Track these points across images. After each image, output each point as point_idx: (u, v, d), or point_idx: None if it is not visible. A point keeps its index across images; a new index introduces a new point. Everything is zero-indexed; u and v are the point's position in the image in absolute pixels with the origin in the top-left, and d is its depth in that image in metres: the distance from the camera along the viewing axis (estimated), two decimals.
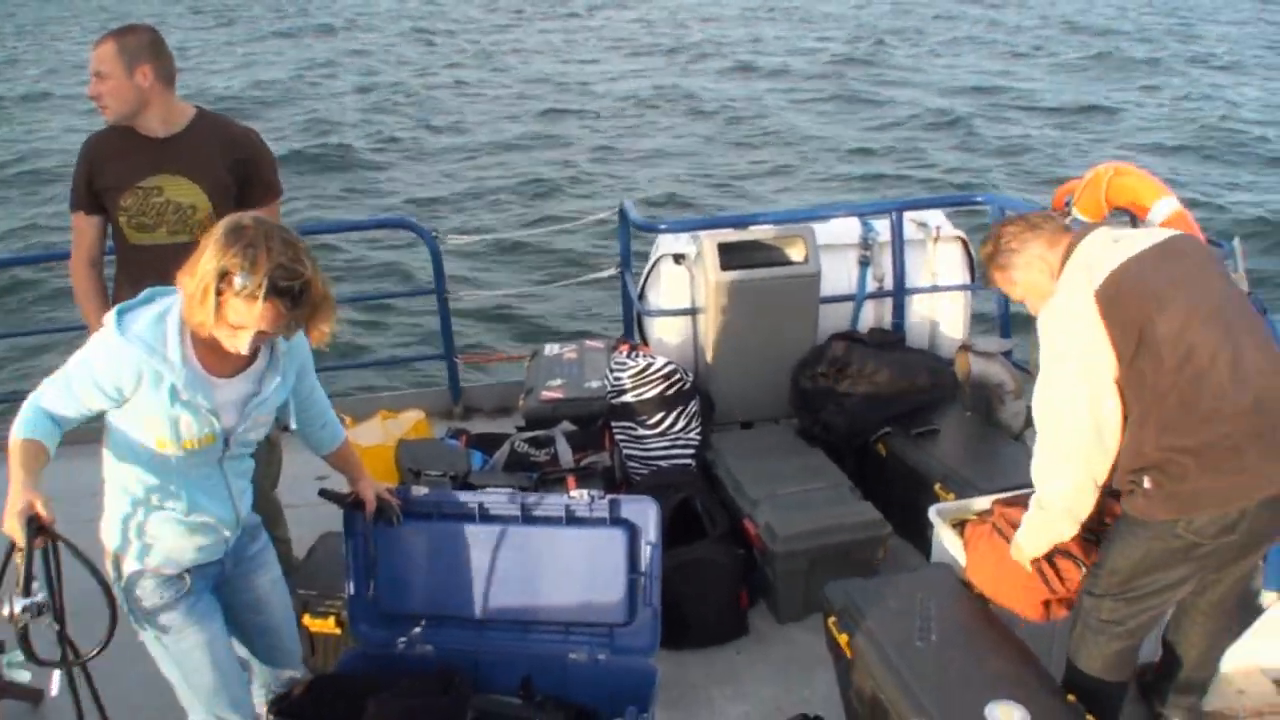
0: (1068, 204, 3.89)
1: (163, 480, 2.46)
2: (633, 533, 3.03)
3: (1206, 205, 11.77)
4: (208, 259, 2.22)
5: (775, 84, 21.56)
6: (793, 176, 14.75)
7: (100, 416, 2.41)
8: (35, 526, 2.16)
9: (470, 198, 14.04)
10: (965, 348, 4.83)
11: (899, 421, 4.52)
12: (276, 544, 3.10)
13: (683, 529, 3.93)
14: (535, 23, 33.08)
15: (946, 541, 3.49)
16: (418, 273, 10.61)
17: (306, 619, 3.48)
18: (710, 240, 4.71)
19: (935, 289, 5.27)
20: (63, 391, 2.35)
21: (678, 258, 5.05)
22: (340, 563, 3.15)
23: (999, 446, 4.39)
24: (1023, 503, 3.07)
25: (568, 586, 3.07)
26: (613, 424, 4.49)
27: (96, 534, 2.55)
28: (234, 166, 3.41)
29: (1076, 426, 2.72)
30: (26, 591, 2.15)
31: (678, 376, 4.48)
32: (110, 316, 2.34)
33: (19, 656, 2.26)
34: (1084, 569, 3.03)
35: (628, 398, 4.45)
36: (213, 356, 2.40)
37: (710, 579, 3.80)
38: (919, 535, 3.99)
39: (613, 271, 6.00)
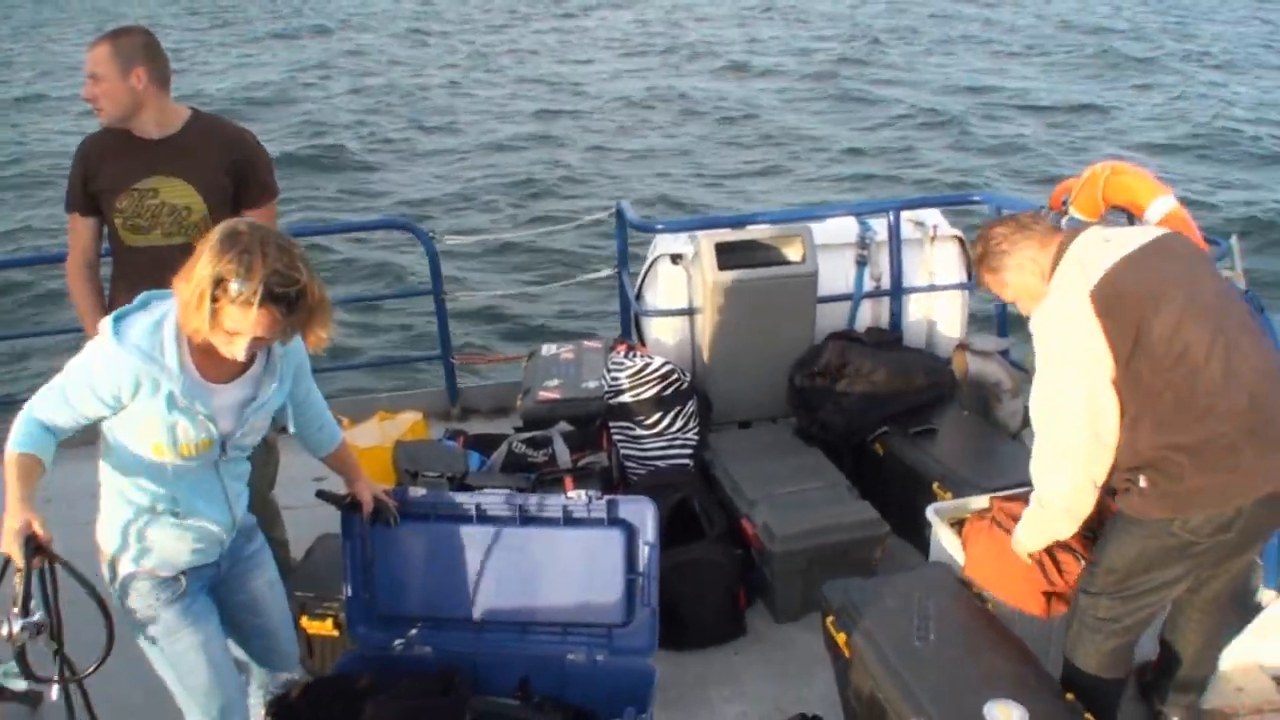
0: (1065, 203, 3.89)
1: (159, 484, 2.45)
2: (630, 533, 3.03)
3: (1199, 204, 11.78)
4: (203, 265, 2.21)
5: (770, 84, 21.58)
6: (787, 176, 14.75)
7: (97, 421, 2.40)
8: (33, 546, 2.17)
9: (466, 198, 14.03)
10: (963, 347, 4.84)
11: (897, 421, 4.52)
12: (274, 546, 3.09)
13: (681, 529, 3.92)
14: (531, 23, 33.08)
15: (944, 540, 3.49)
16: (414, 273, 10.61)
17: (304, 621, 3.47)
18: (707, 240, 4.71)
19: (932, 288, 5.27)
20: (58, 400, 2.34)
21: (675, 258, 5.05)
22: (338, 564, 3.15)
23: (997, 445, 4.40)
24: (1022, 499, 3.07)
25: (566, 587, 3.07)
26: (610, 424, 4.49)
27: (93, 536, 2.55)
28: (230, 168, 3.40)
29: (1075, 427, 2.72)
30: (25, 612, 2.15)
31: (675, 376, 4.48)
32: (106, 324, 2.33)
33: (15, 666, 2.26)
34: (1083, 562, 3.03)
35: (625, 398, 4.44)
36: (209, 362, 2.39)
37: (708, 579, 3.80)
38: (917, 534, 3.99)
39: (610, 272, 5.99)
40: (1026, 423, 2.98)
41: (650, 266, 5.20)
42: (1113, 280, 2.68)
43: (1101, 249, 2.76)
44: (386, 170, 15.68)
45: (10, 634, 2.14)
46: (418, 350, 8.51)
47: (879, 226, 5.25)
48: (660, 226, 5.51)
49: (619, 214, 5.46)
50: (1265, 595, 3.54)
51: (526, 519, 3.08)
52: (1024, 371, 4.47)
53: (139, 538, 2.49)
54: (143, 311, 2.38)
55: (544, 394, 4.68)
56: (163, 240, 3.36)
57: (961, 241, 5.30)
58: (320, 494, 3.08)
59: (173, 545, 2.53)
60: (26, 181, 15.18)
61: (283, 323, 2.27)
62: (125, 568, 2.52)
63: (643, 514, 3.03)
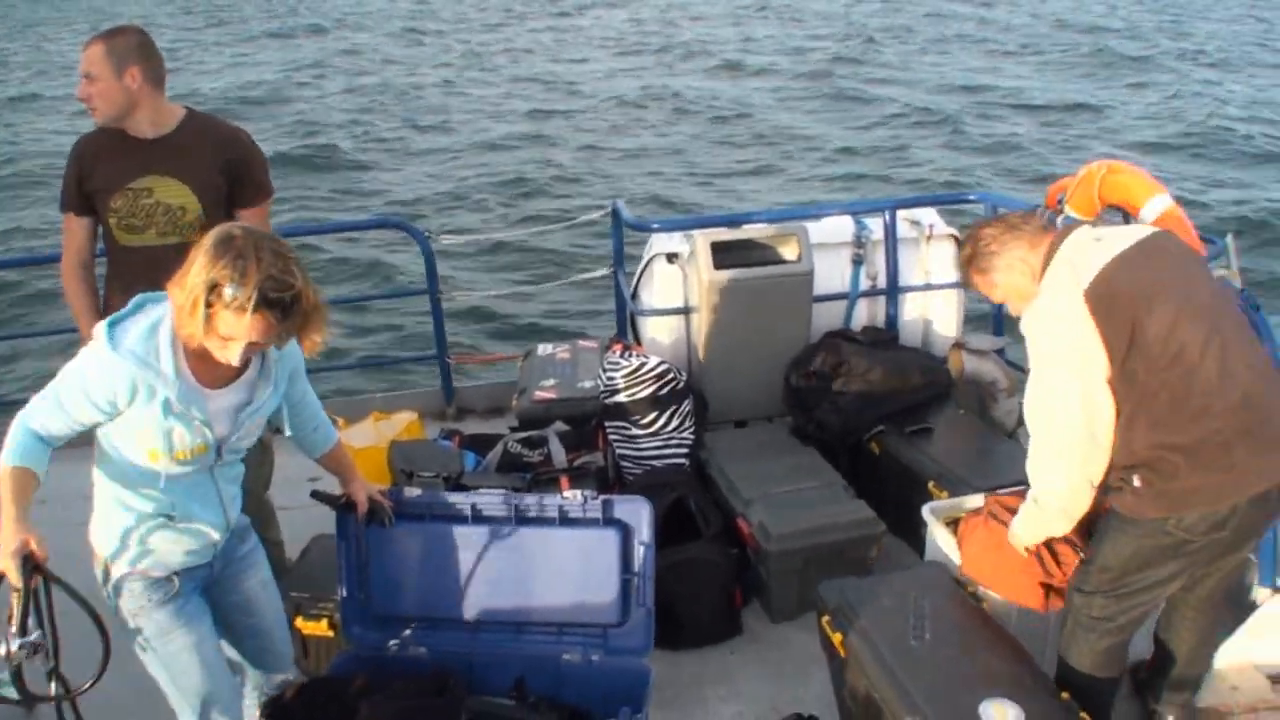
0: (1060, 201, 3.89)
1: (153, 489, 2.45)
2: (626, 533, 3.03)
3: (1192, 203, 11.75)
4: (197, 271, 2.20)
5: (764, 83, 21.56)
6: (781, 176, 14.75)
7: (92, 428, 2.39)
8: (30, 565, 2.17)
9: (460, 198, 14.01)
10: (958, 346, 4.84)
11: (892, 420, 4.52)
12: (269, 546, 3.09)
13: (676, 528, 3.92)
14: (526, 21, 33.05)
15: (940, 540, 3.50)
16: (405, 273, 10.60)
17: (299, 621, 3.46)
18: (703, 239, 4.70)
19: (928, 287, 5.27)
20: (53, 408, 2.33)
21: (671, 257, 5.04)
22: (333, 565, 3.15)
23: (993, 444, 4.40)
24: (1018, 495, 3.07)
25: (561, 587, 3.07)
26: (606, 424, 4.48)
27: (86, 537, 2.54)
28: (224, 167, 3.40)
29: (1070, 427, 2.72)
30: (23, 631, 2.15)
31: (671, 376, 4.48)
32: (101, 329, 2.32)
33: (10, 680, 2.26)
34: (1082, 553, 3.03)
35: (621, 397, 4.44)
36: (205, 367, 2.39)
37: (704, 578, 3.80)
38: (913, 534, 3.99)
39: (605, 271, 5.99)
40: (1022, 421, 2.98)
41: (646, 266, 5.20)
42: (1106, 280, 2.68)
43: (1093, 248, 2.76)
44: (380, 170, 15.65)
45: (8, 653, 2.14)
46: (412, 350, 8.50)
47: (875, 225, 5.25)
48: (656, 226, 5.51)
49: (614, 213, 5.45)
50: (1260, 594, 3.54)
51: (522, 519, 3.08)
52: (1020, 370, 4.47)
53: (133, 540, 2.49)
54: (137, 316, 2.37)
55: (540, 394, 4.68)
56: (157, 240, 3.35)
57: (957, 240, 5.30)
58: (315, 494, 3.07)
59: (167, 547, 2.52)
60: (20, 181, 15.15)
61: (278, 328, 2.26)
62: (118, 568, 2.52)
63: (638, 514, 3.03)
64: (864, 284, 5.24)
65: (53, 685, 2.29)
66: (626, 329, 5.53)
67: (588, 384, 4.67)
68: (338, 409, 4.96)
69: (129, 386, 2.29)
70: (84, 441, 2.45)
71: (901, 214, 5.30)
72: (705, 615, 3.84)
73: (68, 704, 2.39)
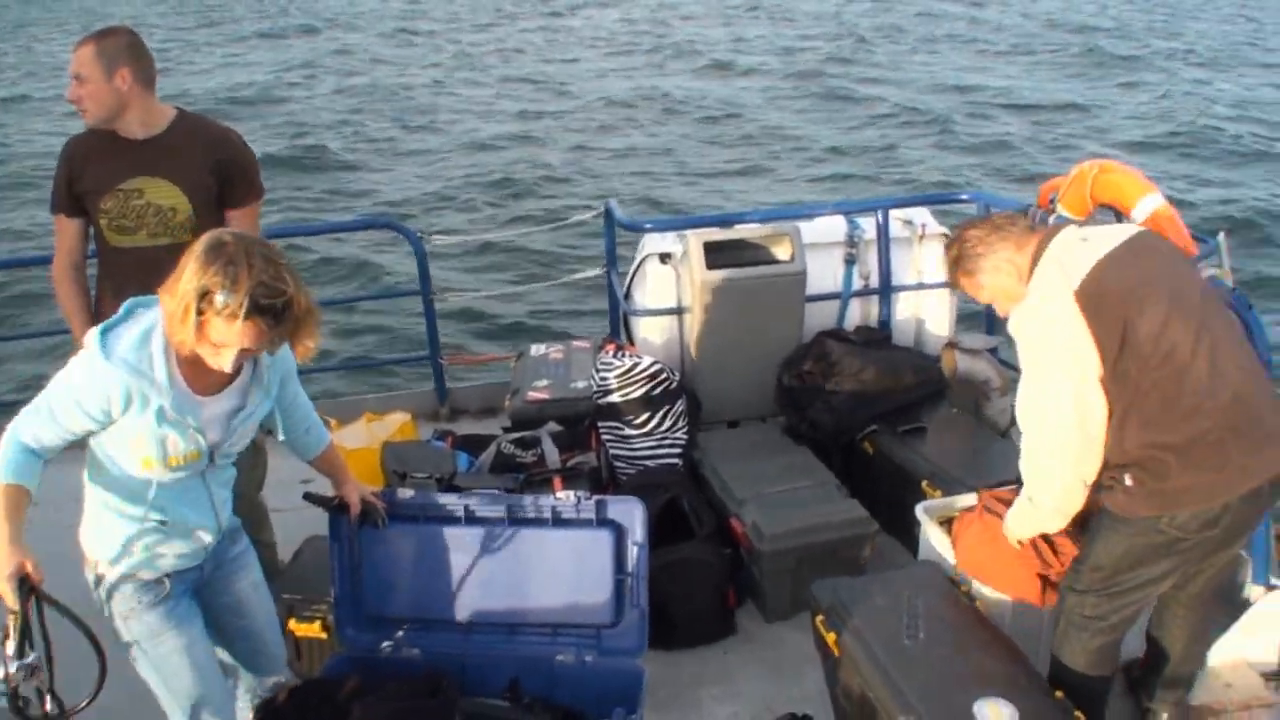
0: (1053, 201, 3.89)
1: (145, 495, 2.44)
2: (619, 533, 3.02)
3: (1179, 203, 11.71)
4: (188, 278, 2.19)
5: (755, 83, 21.57)
6: (771, 176, 14.75)
7: (85, 437, 2.38)
8: (27, 588, 2.17)
9: (450, 199, 13.99)
10: (951, 345, 4.85)
11: (886, 419, 4.53)
12: (262, 548, 3.08)
13: (670, 529, 3.92)
14: (517, 21, 33.03)
15: (934, 539, 3.50)
16: (391, 273, 10.58)
17: (292, 623, 3.46)
18: (696, 239, 4.70)
19: (921, 286, 5.28)
20: (45, 419, 2.31)
21: (663, 257, 5.04)
22: (326, 566, 3.14)
23: (986, 443, 4.41)
24: (1013, 490, 3.07)
25: (554, 588, 3.06)
26: (599, 424, 4.48)
27: (76, 539, 2.53)
28: (215, 167, 3.38)
29: (1064, 427, 2.71)
30: (20, 654, 2.15)
31: (664, 376, 4.48)
32: (93, 338, 2.30)
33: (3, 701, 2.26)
34: (1079, 544, 3.03)
35: (614, 398, 4.44)
36: (197, 374, 2.38)
37: (697, 579, 3.80)
38: (906, 533, 3.99)
39: (598, 271, 5.99)
40: (1015, 420, 2.98)
41: (639, 266, 5.20)
42: (1097, 279, 2.68)
43: (1081, 248, 2.76)
44: (370, 170, 15.62)
45: (6, 675, 2.14)
46: (406, 351, 8.49)
47: (867, 225, 5.25)
48: (649, 226, 5.51)
49: (607, 213, 5.45)
50: (1253, 591, 3.56)
51: (515, 520, 3.07)
52: (1013, 369, 4.47)
53: (124, 544, 2.48)
54: (129, 323, 2.35)
55: (533, 394, 4.68)
56: (148, 241, 3.34)
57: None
58: (307, 496, 3.06)
59: (158, 550, 2.51)
60: (9, 183, 15.08)
61: (270, 334, 2.25)
62: (108, 570, 2.51)
63: (631, 514, 3.02)
64: (857, 284, 5.24)
65: (48, 703, 2.29)
66: (619, 329, 5.53)
67: (581, 384, 4.67)
68: (330, 410, 4.96)
69: (123, 395, 2.27)
70: (75, 444, 2.43)
71: (894, 213, 5.30)
72: (699, 615, 3.84)
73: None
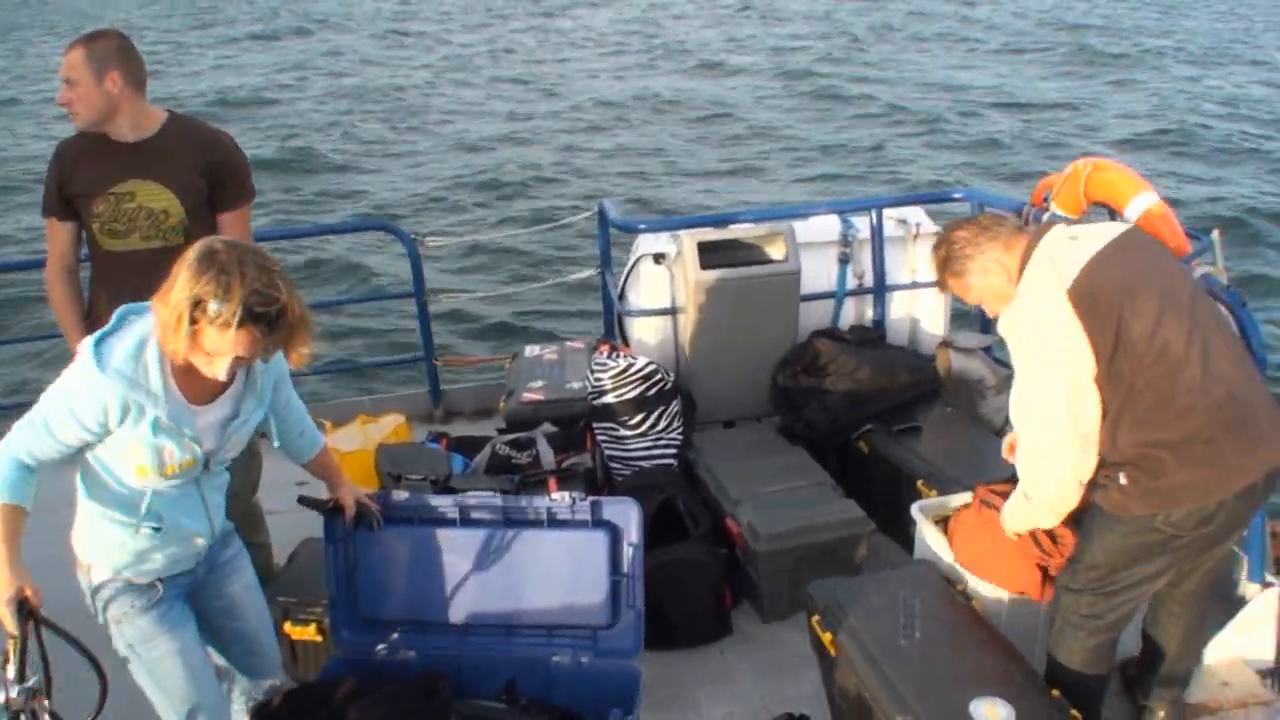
0: (1046, 199, 3.89)
1: (139, 500, 2.43)
2: (614, 534, 3.02)
3: (1170, 201, 11.72)
4: (180, 287, 2.18)
5: (746, 82, 21.59)
6: (763, 175, 14.76)
7: (81, 449, 2.37)
8: (26, 612, 2.17)
9: (441, 200, 13.98)
10: (946, 344, 4.85)
11: (880, 419, 4.53)
12: (257, 550, 3.07)
13: (665, 529, 3.92)
14: (509, 22, 33.01)
15: (929, 538, 3.50)
16: (390, 275, 10.56)
17: (287, 626, 3.44)
18: (690, 239, 4.70)
19: (915, 285, 5.28)
20: (40, 434, 2.30)
21: (658, 257, 5.04)
22: (321, 569, 3.13)
23: (980, 442, 4.40)
24: (1010, 483, 3.07)
25: (550, 589, 3.06)
26: (594, 425, 4.48)
27: (69, 542, 2.53)
28: (206, 170, 3.37)
29: (1059, 427, 2.71)
30: (21, 677, 2.15)
31: (659, 376, 4.47)
32: (87, 349, 2.28)
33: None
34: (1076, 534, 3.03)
35: (609, 398, 4.43)
36: (191, 382, 2.37)
37: (693, 579, 3.79)
38: (902, 532, 3.99)
39: (592, 272, 5.98)
40: (1010, 419, 2.98)
41: (633, 266, 5.19)
42: (1089, 278, 2.67)
43: (1070, 247, 2.75)
44: (361, 172, 15.60)
45: (7, 699, 2.14)
46: (400, 353, 8.47)
47: (861, 224, 5.25)
48: (643, 226, 5.50)
49: (601, 214, 5.44)
50: (1249, 589, 3.56)
51: (510, 521, 3.07)
52: (1007, 368, 4.48)
53: (117, 549, 2.47)
54: (122, 332, 2.33)
55: (528, 395, 4.66)
56: (141, 244, 3.33)
57: None
58: (302, 500, 3.05)
59: (151, 556, 2.51)
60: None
61: (263, 342, 2.24)
62: (101, 574, 2.51)
63: (627, 515, 3.02)
64: (851, 283, 5.24)
65: None
66: (614, 330, 5.52)
67: (575, 385, 4.66)
68: (324, 413, 4.95)
69: (119, 407, 2.26)
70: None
71: (888, 213, 5.30)
72: (695, 616, 3.83)
73: None
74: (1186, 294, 2.74)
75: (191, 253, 2.22)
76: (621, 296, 5.26)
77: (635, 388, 4.41)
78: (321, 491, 3.03)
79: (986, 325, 5.29)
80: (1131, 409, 2.67)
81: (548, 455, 4.26)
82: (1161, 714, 3.23)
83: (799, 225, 5.00)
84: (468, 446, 4.54)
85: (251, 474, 3.74)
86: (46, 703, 2.23)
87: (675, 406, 4.50)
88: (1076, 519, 2.99)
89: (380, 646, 3.11)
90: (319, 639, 3.45)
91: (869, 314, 5.31)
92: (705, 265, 4.65)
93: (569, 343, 5.24)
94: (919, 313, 5.34)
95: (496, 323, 9.74)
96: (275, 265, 2.26)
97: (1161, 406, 2.64)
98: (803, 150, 16.00)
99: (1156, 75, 20.83)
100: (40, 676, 2.20)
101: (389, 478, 4.06)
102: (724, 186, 14.12)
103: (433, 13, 35.47)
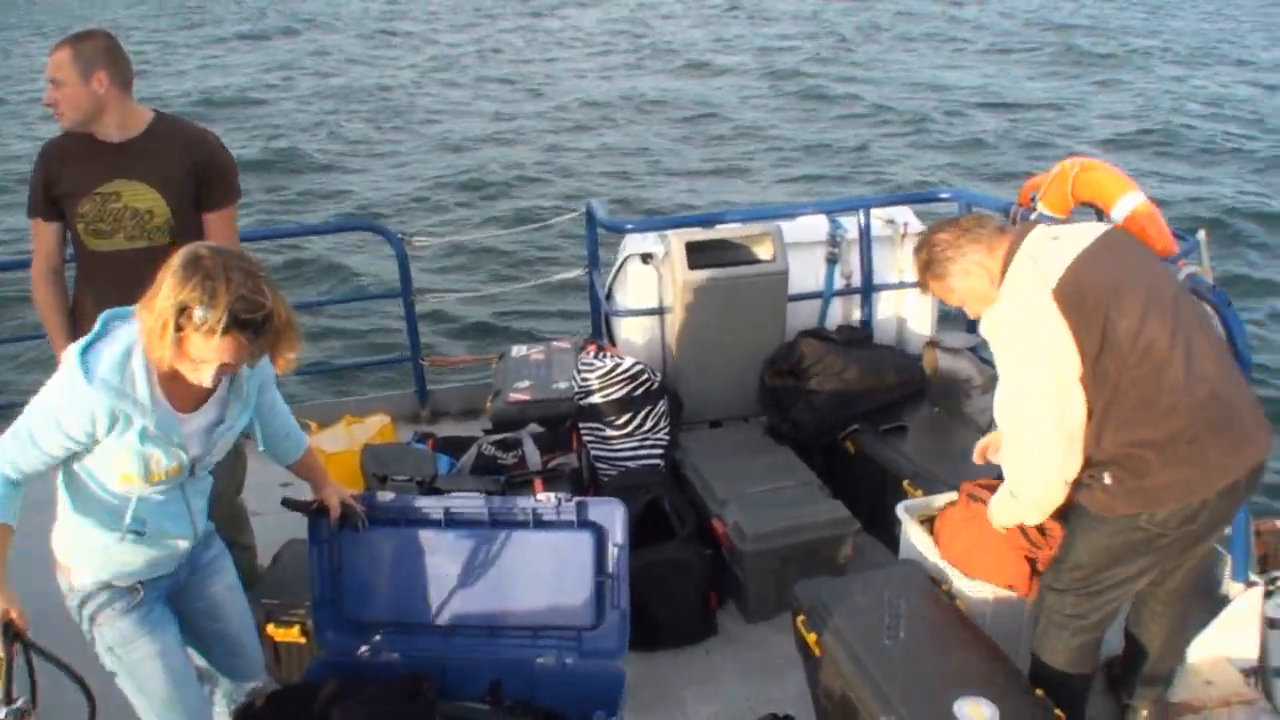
0: (1034, 199, 3.90)
1: (123, 506, 2.41)
2: (600, 535, 3.02)
3: (1153, 201, 11.76)
4: (165, 294, 2.16)
5: (732, 82, 21.57)
6: (750, 175, 14.75)
7: (68, 460, 2.36)
8: (12, 633, 2.16)
9: (426, 199, 13.95)
10: (932, 343, 4.86)
11: (867, 419, 4.53)
12: (241, 551, 3.06)
13: (651, 529, 3.91)
14: (497, 21, 32.97)
15: (915, 538, 3.50)
16: (374, 275, 10.54)
17: (270, 628, 3.43)
18: (678, 239, 4.70)
19: (902, 285, 5.29)
20: (25, 446, 2.28)
21: (645, 257, 5.03)
22: (305, 570, 3.12)
23: (967, 442, 4.33)
24: (997, 479, 3.08)
25: (535, 590, 3.05)
26: (581, 425, 4.47)
27: (49, 543, 2.51)
28: (192, 169, 3.36)
29: (1045, 427, 2.71)
30: (7, 699, 2.14)
31: (645, 376, 4.47)
32: (73, 358, 2.26)
33: None
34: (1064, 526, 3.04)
35: (595, 399, 4.43)
36: (177, 389, 2.35)
37: (678, 579, 3.79)
38: (887, 532, 4.00)
39: (579, 272, 5.98)
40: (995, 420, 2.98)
41: (620, 266, 5.19)
42: (1074, 277, 2.67)
43: (1053, 247, 2.75)
44: (347, 172, 15.54)
45: None
46: (386, 353, 8.45)
47: (849, 224, 5.26)
48: (630, 226, 5.49)
49: (589, 214, 5.44)
50: (1232, 588, 3.57)
51: (496, 522, 3.06)
52: (994, 368, 4.48)
53: (99, 553, 2.46)
54: (108, 339, 2.31)
55: (514, 395, 4.66)
56: (126, 244, 3.32)
57: None
58: (286, 502, 3.04)
59: (133, 559, 2.49)
60: None
61: (249, 348, 2.22)
62: (81, 577, 2.49)
63: (612, 516, 3.02)
64: (839, 283, 5.25)
65: None
66: (601, 330, 5.52)
67: (562, 385, 4.65)
68: (309, 413, 4.93)
69: (106, 417, 2.25)
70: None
71: (876, 213, 5.31)
72: (681, 616, 3.83)
73: None
74: (1170, 294, 2.75)
75: (176, 259, 2.20)
76: (608, 296, 5.26)
77: (621, 388, 4.41)
78: (306, 492, 3.02)
79: (973, 325, 5.29)
80: (1116, 409, 2.67)
81: (534, 456, 4.25)
82: (1145, 713, 3.23)
83: (787, 225, 5.00)
84: (454, 447, 4.53)
85: (236, 475, 3.73)
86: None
87: (662, 406, 4.50)
88: (1063, 514, 3.00)
89: (364, 648, 3.10)
90: (303, 641, 3.43)
91: (856, 314, 5.32)
92: (693, 265, 4.65)
93: (556, 343, 5.23)
94: (906, 313, 5.35)
95: (482, 323, 9.73)
96: (261, 270, 2.24)
97: (1146, 406, 2.65)
98: (787, 150, 15.99)
99: (1142, 75, 20.88)
100: (27, 697, 2.20)
101: (374, 478, 4.05)
102: (708, 186, 14.12)
103: (420, 13, 35.36)
